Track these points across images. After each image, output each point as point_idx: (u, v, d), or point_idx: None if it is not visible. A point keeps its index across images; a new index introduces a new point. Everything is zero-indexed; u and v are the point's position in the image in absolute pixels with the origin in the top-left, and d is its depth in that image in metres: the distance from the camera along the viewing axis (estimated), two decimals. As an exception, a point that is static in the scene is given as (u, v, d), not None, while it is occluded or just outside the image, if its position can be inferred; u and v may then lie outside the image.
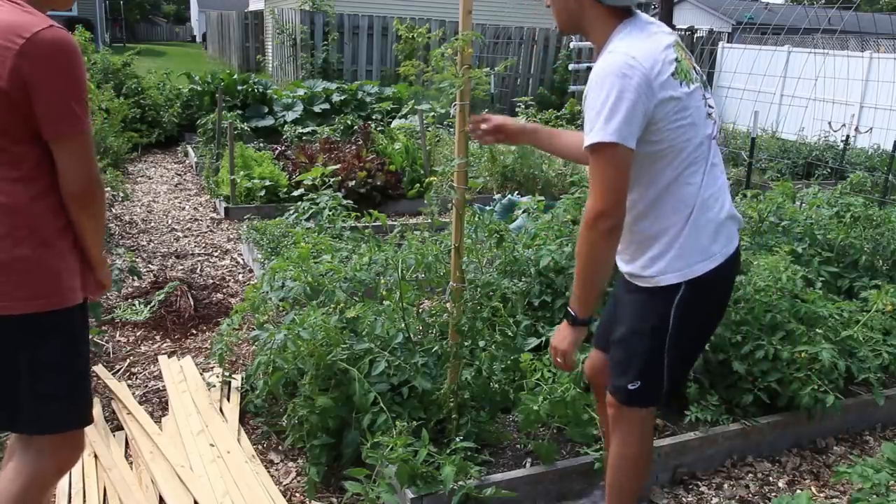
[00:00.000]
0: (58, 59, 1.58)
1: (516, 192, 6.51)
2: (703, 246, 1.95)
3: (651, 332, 2.00)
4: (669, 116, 1.82)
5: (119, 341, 3.74)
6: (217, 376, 3.22)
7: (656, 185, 1.90)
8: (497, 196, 6.20)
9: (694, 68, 1.93)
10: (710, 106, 1.97)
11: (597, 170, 1.80)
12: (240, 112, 9.14)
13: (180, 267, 4.92)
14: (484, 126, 2.27)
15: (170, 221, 6.02)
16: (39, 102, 1.59)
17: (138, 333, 3.82)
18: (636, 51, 1.77)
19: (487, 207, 5.69)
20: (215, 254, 5.26)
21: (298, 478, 2.69)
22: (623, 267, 2.08)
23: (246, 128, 8.05)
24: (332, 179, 5.89)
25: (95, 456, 2.71)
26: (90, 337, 3.53)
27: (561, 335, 2.00)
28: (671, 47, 1.84)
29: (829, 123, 10.37)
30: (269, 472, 2.69)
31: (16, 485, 1.77)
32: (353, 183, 6.19)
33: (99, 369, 3.38)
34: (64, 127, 1.62)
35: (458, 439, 2.47)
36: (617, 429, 2.16)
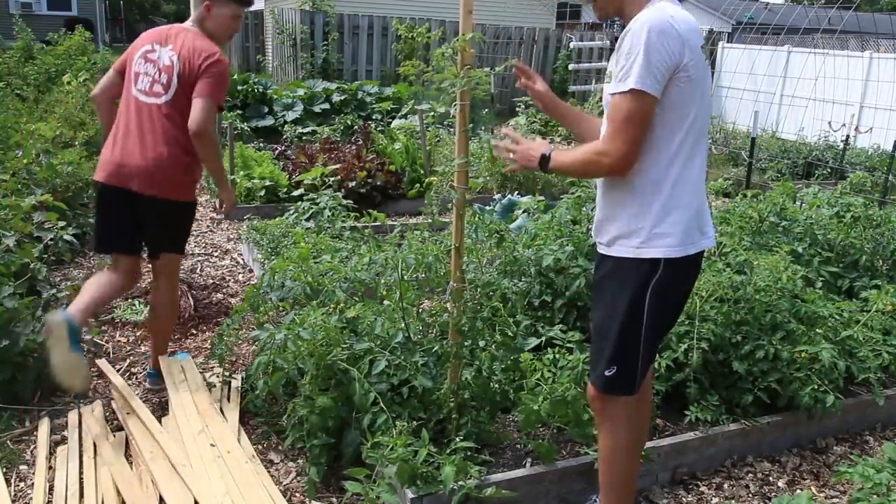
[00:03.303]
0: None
1: (516, 192, 6.51)
2: (692, 228, 1.99)
3: (624, 314, 2.01)
4: (691, 85, 1.88)
5: (119, 341, 3.74)
6: (217, 376, 3.22)
7: (666, 152, 1.94)
8: (497, 196, 6.20)
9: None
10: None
11: (618, 117, 1.87)
12: (240, 112, 9.15)
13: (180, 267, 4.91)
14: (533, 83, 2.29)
15: (170, 221, 6.02)
16: None
17: (138, 333, 3.82)
18: (674, 11, 1.88)
19: (487, 207, 5.70)
20: (215, 254, 5.26)
21: (298, 478, 2.69)
22: (605, 233, 2.07)
23: (246, 128, 8.06)
24: (332, 179, 5.90)
25: (95, 456, 2.71)
26: (90, 337, 3.54)
27: (530, 152, 2.10)
28: (700, 31, 1.95)
29: (829, 123, 10.37)
30: (269, 472, 2.68)
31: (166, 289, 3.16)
32: (353, 183, 6.19)
33: (101, 363, 3.37)
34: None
35: (458, 439, 2.47)
36: (604, 421, 2.18)
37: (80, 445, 2.78)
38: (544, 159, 2.06)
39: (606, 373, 2.07)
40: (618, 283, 2.03)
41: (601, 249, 2.11)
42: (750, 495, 2.72)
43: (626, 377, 2.07)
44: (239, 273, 4.87)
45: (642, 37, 1.81)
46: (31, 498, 2.51)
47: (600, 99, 11.23)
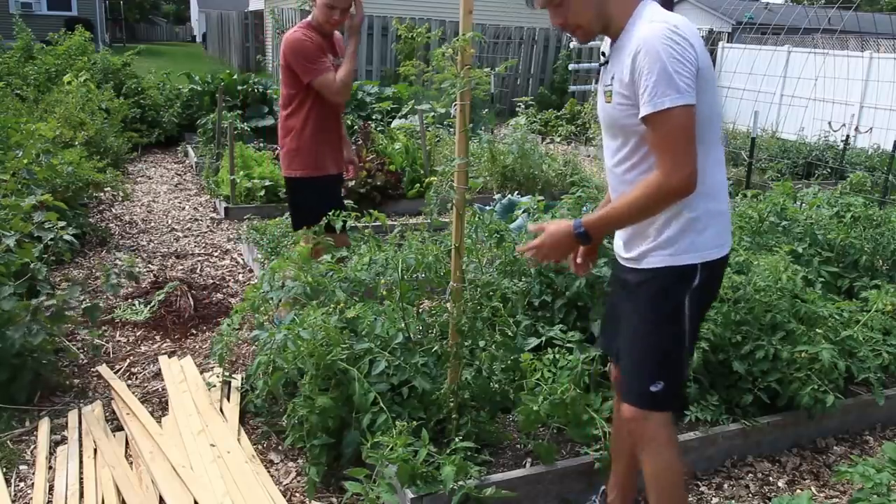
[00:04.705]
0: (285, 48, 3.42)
1: (516, 192, 6.51)
2: (723, 228, 1.93)
3: (666, 323, 1.93)
4: (703, 87, 1.80)
5: (119, 341, 3.74)
6: (217, 376, 3.22)
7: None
8: (497, 196, 6.20)
9: None
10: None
11: (667, 137, 1.74)
12: (240, 112, 9.13)
13: (180, 267, 4.92)
14: (579, 260, 2.16)
15: (170, 221, 6.02)
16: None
17: (138, 333, 3.82)
18: (674, 20, 1.79)
19: (487, 207, 5.69)
20: (215, 254, 5.26)
21: (298, 478, 2.69)
22: (634, 249, 1.98)
23: (246, 128, 8.04)
24: (332, 179, 5.88)
25: (95, 456, 2.71)
26: (91, 338, 3.54)
27: (560, 239, 1.91)
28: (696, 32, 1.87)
29: (829, 123, 10.37)
30: (269, 472, 2.69)
31: None
32: (352, 183, 6.19)
33: (102, 369, 3.38)
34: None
35: (457, 439, 2.47)
36: (647, 443, 2.02)
37: (80, 445, 2.78)
38: (577, 228, 1.88)
39: (652, 388, 1.94)
40: (654, 294, 1.94)
41: (630, 264, 2.01)
42: (750, 495, 2.72)
43: (673, 390, 1.98)
44: (239, 273, 4.87)
45: (658, 51, 1.72)
46: (31, 498, 2.51)
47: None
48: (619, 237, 2.08)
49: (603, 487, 2.47)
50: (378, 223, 4.69)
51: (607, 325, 2.26)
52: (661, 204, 1.81)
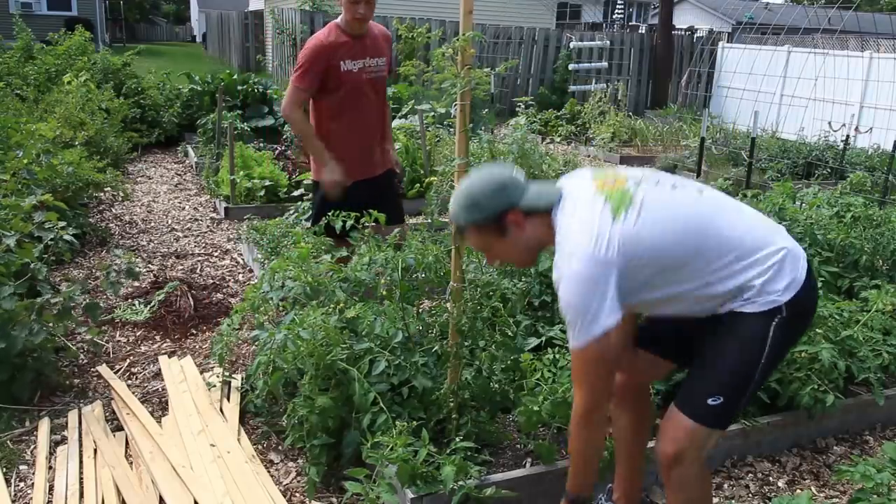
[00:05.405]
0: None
1: (516, 192, 6.49)
2: (790, 267, 1.88)
3: (744, 346, 1.90)
4: (647, 243, 1.79)
5: (119, 341, 3.74)
6: (217, 376, 3.22)
7: (701, 275, 1.86)
8: (497, 196, 6.19)
9: (627, 179, 1.88)
10: (674, 186, 1.92)
11: (580, 370, 1.85)
12: (240, 112, 9.12)
13: (180, 267, 4.92)
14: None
15: (170, 221, 6.02)
16: None
17: (138, 333, 3.82)
18: (576, 237, 1.80)
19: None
20: (215, 254, 5.26)
21: (298, 478, 2.69)
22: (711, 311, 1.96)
23: (246, 128, 8.04)
24: (332, 179, 5.88)
25: (95, 456, 2.71)
26: (91, 337, 3.54)
27: None
28: (594, 195, 1.84)
29: (829, 123, 10.36)
30: (269, 472, 2.69)
31: None
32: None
33: (102, 369, 3.38)
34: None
35: (458, 439, 2.47)
36: (676, 473, 1.97)
37: (80, 445, 2.79)
38: (571, 496, 2.02)
39: (710, 401, 1.90)
40: (738, 326, 1.91)
41: None
42: (750, 495, 2.72)
43: (728, 411, 1.94)
44: (239, 273, 4.87)
45: (564, 291, 1.78)
46: (31, 498, 2.51)
47: (600, 99, 11.24)
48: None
49: (610, 486, 2.48)
50: (378, 223, 4.71)
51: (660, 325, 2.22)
52: (590, 427, 1.89)
